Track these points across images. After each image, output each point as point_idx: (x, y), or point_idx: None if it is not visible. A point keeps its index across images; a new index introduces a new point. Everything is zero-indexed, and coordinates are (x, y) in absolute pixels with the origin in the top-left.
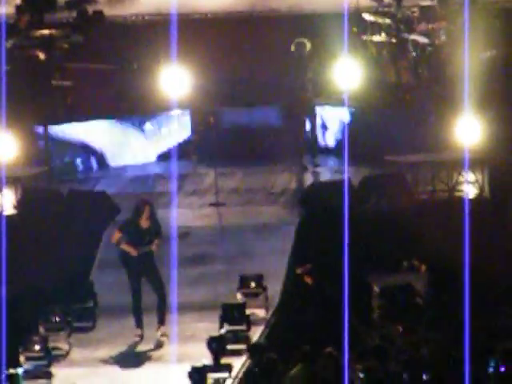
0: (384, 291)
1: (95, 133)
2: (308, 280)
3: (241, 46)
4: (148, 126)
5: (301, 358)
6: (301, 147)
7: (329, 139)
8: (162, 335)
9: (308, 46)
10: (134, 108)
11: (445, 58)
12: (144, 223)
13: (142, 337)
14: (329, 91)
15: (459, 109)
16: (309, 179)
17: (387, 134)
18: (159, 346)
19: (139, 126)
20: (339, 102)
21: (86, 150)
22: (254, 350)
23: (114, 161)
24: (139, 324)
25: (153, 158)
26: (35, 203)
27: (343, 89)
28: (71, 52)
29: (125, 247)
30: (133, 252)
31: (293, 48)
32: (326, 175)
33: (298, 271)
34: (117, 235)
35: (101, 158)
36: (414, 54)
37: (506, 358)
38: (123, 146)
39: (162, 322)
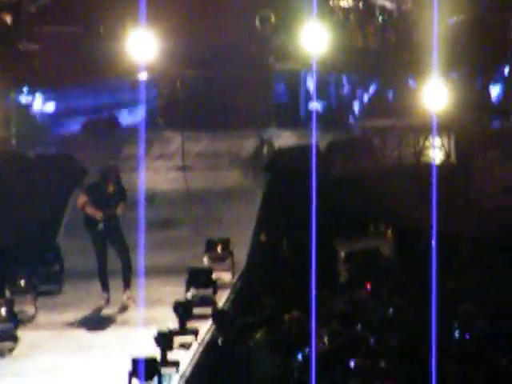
0: (350, 256)
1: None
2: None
3: (207, 11)
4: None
5: (265, 322)
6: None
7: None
8: (128, 298)
9: (272, 18)
10: (102, 72)
11: (412, 23)
12: (109, 188)
13: (108, 300)
14: (297, 57)
15: (426, 74)
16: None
17: (354, 98)
18: (125, 309)
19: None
20: (306, 68)
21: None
22: (218, 317)
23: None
24: (105, 287)
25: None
26: (1, 166)
27: (311, 54)
28: (38, 15)
29: (90, 210)
30: (98, 215)
31: (257, 22)
32: (292, 140)
33: (262, 238)
34: (82, 199)
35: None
36: (380, 19)
37: (468, 321)
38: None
39: (127, 285)
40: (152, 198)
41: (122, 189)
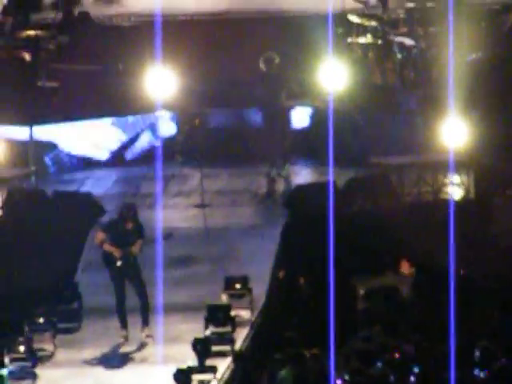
0: (369, 294)
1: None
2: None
3: (226, 47)
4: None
5: (289, 360)
6: (284, 150)
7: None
8: (147, 336)
9: (276, 59)
10: (120, 109)
11: (430, 60)
12: (127, 226)
13: (126, 338)
14: (314, 93)
15: (445, 111)
16: (295, 182)
17: (373, 135)
18: (144, 346)
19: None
20: (324, 104)
21: (67, 151)
22: (237, 359)
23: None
24: (123, 325)
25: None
26: (21, 204)
27: (329, 90)
28: (57, 53)
29: (108, 248)
30: (116, 252)
31: (261, 64)
32: (311, 177)
33: (282, 274)
34: (100, 236)
35: (85, 159)
36: (399, 56)
37: (486, 357)
38: (105, 146)
39: (145, 322)
40: (169, 235)
41: (140, 226)
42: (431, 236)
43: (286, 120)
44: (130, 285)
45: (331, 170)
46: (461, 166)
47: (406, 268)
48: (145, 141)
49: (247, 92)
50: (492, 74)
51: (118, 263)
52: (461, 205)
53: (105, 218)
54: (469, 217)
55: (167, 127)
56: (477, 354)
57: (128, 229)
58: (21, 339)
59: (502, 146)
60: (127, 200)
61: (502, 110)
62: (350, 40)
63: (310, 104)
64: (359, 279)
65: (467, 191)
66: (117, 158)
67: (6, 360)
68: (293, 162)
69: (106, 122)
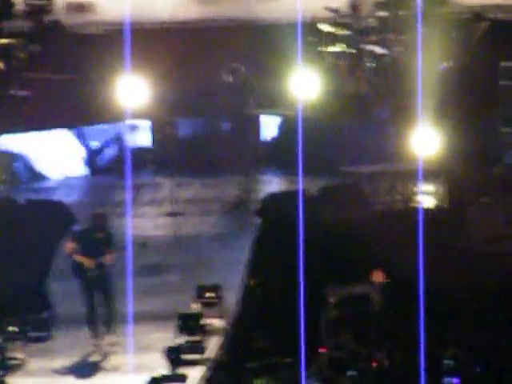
0: (339, 303)
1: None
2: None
3: (196, 56)
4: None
5: (263, 369)
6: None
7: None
8: (110, 345)
9: (243, 71)
10: (91, 118)
11: (402, 68)
12: (98, 234)
13: (99, 346)
14: (284, 102)
15: (416, 120)
16: (266, 190)
17: (343, 144)
18: (114, 356)
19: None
20: (294, 113)
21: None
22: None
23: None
24: (95, 334)
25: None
26: None
27: (300, 99)
28: (28, 62)
29: (78, 258)
30: (87, 262)
31: (226, 75)
32: (282, 186)
33: (252, 282)
34: (70, 245)
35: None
36: (371, 64)
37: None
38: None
39: (109, 331)
40: (143, 244)
41: (111, 236)
42: (403, 245)
43: (256, 129)
44: (98, 295)
45: (300, 178)
46: (432, 174)
47: (378, 277)
48: (115, 150)
49: (218, 101)
50: (463, 83)
51: (89, 273)
52: (433, 213)
53: (76, 227)
54: (441, 226)
55: (139, 136)
56: (447, 362)
57: (98, 238)
58: None
59: (473, 154)
60: (98, 209)
61: (472, 118)
62: (320, 49)
63: (280, 113)
64: (330, 288)
65: (439, 200)
66: (88, 167)
67: None
68: (264, 171)
69: (77, 131)
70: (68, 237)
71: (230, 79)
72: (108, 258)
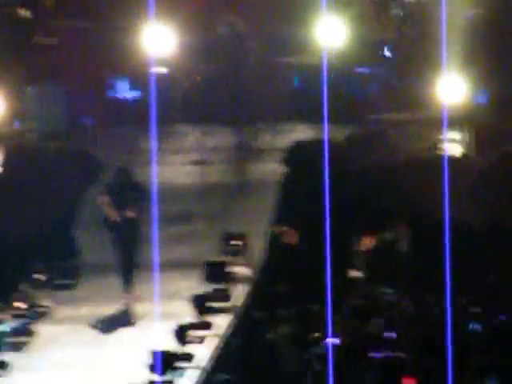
0: (367, 250)
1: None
2: (287, 239)
3: (222, 4)
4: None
5: (289, 317)
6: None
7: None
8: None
9: (241, 25)
10: (118, 68)
11: (429, 15)
12: (124, 189)
13: (138, 297)
14: (312, 49)
15: (443, 67)
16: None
17: (370, 92)
18: (141, 303)
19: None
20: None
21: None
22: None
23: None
24: (128, 284)
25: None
26: (21, 160)
27: (325, 46)
28: (55, 10)
29: (107, 210)
30: (112, 215)
31: (219, 29)
32: (308, 133)
33: (277, 230)
34: (102, 198)
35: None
36: (399, 12)
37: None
38: None
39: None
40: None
41: (140, 188)
42: (430, 192)
43: (283, 76)
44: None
45: (326, 126)
46: (460, 121)
47: (403, 227)
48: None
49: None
50: (489, 31)
51: (117, 227)
52: (460, 160)
53: (105, 177)
54: (468, 173)
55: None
56: (473, 310)
57: (125, 192)
58: (18, 295)
59: (500, 102)
60: (125, 157)
61: (499, 66)
62: None
63: (307, 61)
64: (357, 236)
65: (467, 147)
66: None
67: (7, 316)
68: (289, 118)
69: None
70: (97, 186)
71: (225, 32)
72: (137, 212)
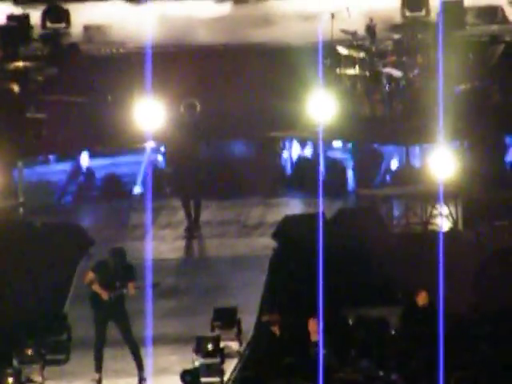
0: (359, 324)
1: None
2: (275, 330)
3: (215, 79)
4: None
5: None
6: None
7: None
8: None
9: (198, 107)
10: (109, 141)
11: (418, 91)
12: (116, 268)
13: (100, 381)
14: (302, 125)
15: (433, 142)
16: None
17: (361, 167)
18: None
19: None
20: (313, 136)
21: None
22: None
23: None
24: (98, 369)
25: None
26: (8, 235)
27: (317, 122)
28: (46, 84)
29: (96, 289)
30: (104, 295)
31: (182, 109)
32: (299, 208)
33: (265, 319)
34: (89, 275)
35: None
36: (387, 87)
37: None
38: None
39: (140, 367)
40: (156, 284)
41: (131, 267)
42: (420, 268)
43: (274, 151)
44: (116, 327)
45: (321, 200)
46: (449, 196)
47: (422, 298)
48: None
49: (236, 124)
50: (479, 105)
51: (105, 306)
52: (449, 236)
53: (93, 251)
54: (457, 248)
55: (157, 159)
56: None
57: (117, 271)
58: (9, 371)
59: (489, 176)
60: (114, 232)
61: (489, 140)
62: (338, 71)
63: (299, 135)
64: (349, 310)
65: (455, 222)
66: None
67: None
68: (281, 194)
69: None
70: (87, 260)
71: (186, 114)
72: (130, 290)
